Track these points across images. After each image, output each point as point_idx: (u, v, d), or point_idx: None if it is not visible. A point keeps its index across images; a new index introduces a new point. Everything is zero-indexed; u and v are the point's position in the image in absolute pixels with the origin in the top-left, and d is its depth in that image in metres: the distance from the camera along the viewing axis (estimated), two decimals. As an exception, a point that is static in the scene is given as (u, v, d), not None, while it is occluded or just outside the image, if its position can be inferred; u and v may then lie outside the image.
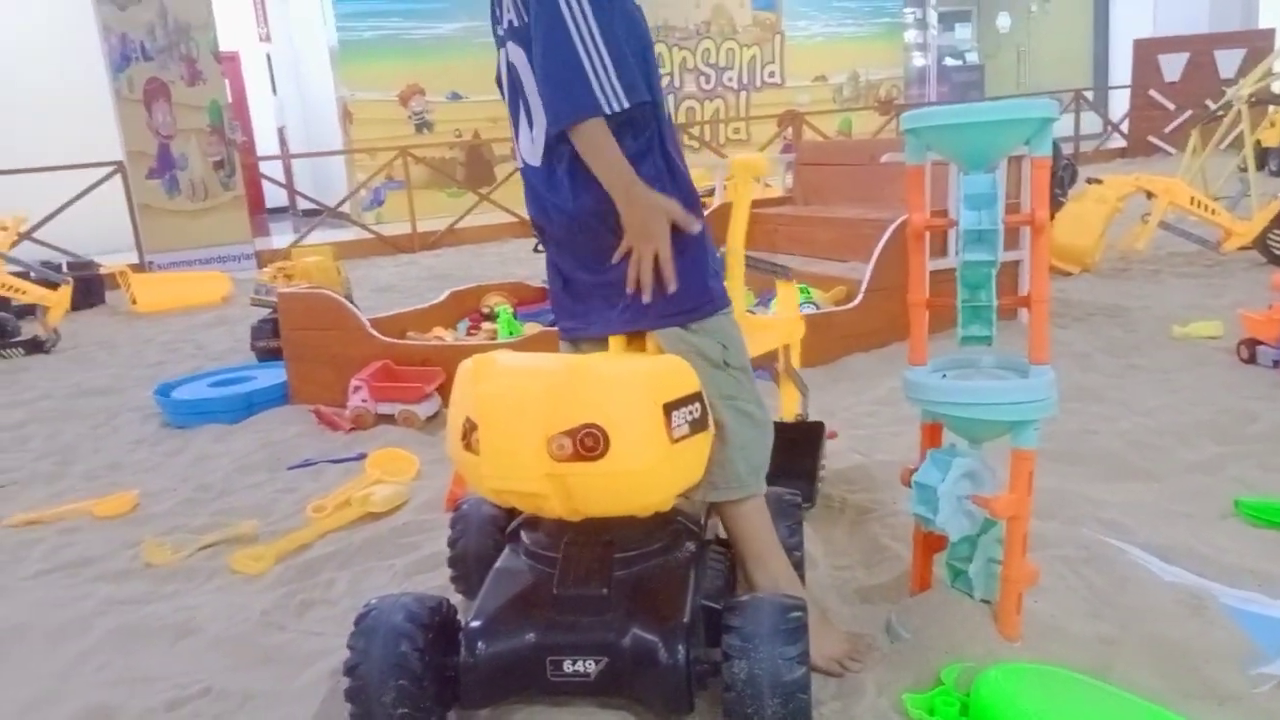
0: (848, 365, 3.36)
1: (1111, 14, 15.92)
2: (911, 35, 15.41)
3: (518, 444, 1.28)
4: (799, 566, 1.62)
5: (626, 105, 1.36)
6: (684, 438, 1.33)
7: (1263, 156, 7.19)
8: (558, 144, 1.43)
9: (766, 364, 2.10)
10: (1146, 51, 11.29)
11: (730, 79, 12.27)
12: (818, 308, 3.56)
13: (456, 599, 1.72)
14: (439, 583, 1.87)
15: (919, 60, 16.10)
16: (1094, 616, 1.56)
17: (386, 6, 9.92)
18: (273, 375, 3.47)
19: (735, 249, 1.82)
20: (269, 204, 11.60)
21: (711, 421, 1.41)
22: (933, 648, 1.44)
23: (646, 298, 1.40)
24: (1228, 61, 10.47)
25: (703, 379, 1.40)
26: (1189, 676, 1.39)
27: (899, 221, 3.42)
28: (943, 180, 3.05)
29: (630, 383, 1.31)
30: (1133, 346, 3.38)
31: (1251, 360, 3.00)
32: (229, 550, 2.13)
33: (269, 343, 3.87)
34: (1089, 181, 5.05)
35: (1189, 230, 5.05)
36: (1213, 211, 4.89)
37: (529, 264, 6.46)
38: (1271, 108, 6.41)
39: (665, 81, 11.73)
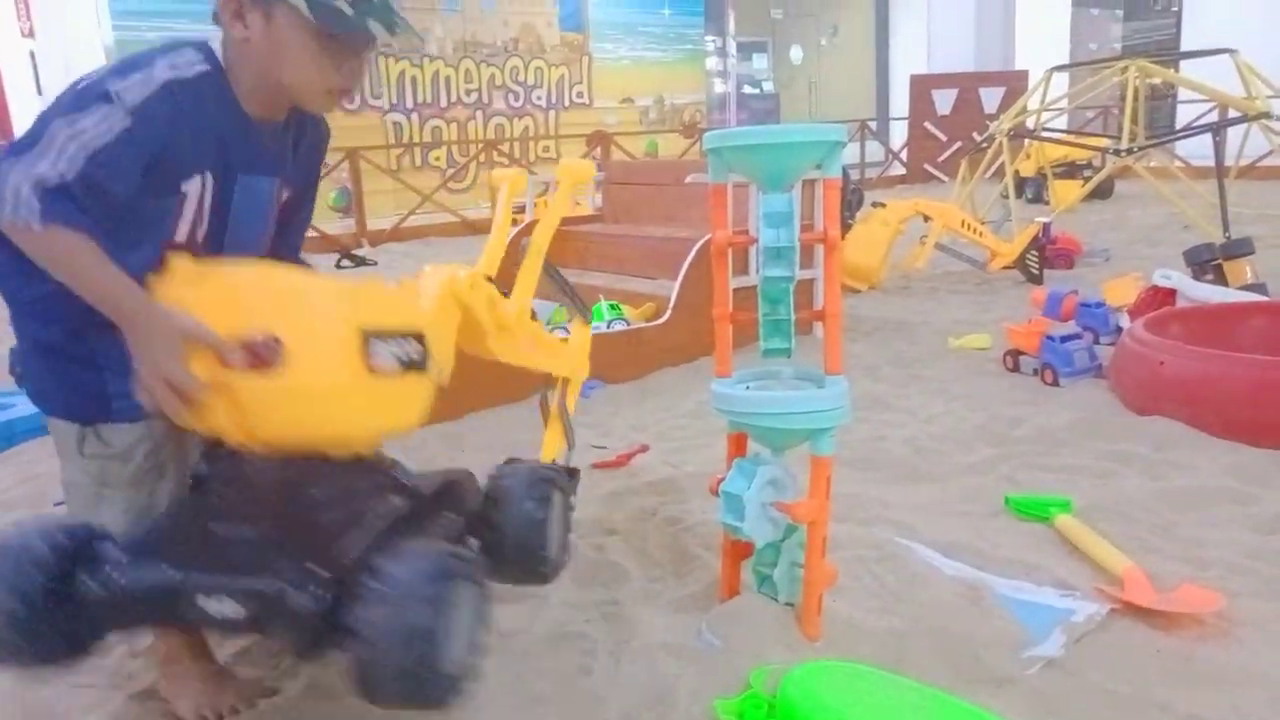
0: (657, 380, 3.42)
1: (891, 50, 17.24)
2: (713, 63, 16.06)
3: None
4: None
5: None
6: (388, 371, 1.23)
7: (1021, 185, 7.96)
8: None
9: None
10: (921, 87, 12.27)
11: (539, 98, 12.31)
12: (628, 324, 3.62)
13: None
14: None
15: (720, 87, 16.79)
16: (887, 612, 1.66)
17: (169, 7, 9.26)
18: (36, 402, 3.13)
19: (539, 245, 1.68)
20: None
21: (440, 371, 1.33)
22: (742, 653, 1.48)
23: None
24: (990, 98, 11.54)
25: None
26: (970, 664, 1.50)
27: (703, 240, 3.53)
28: (744, 202, 3.18)
29: (317, 296, 1.26)
30: (915, 358, 3.64)
31: (1015, 369, 3.30)
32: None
33: (31, 366, 3.49)
34: (874, 205, 5.43)
35: (961, 251, 5.51)
36: (980, 234, 5.37)
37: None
38: (1026, 141, 7.12)
39: (474, 97, 11.62)
